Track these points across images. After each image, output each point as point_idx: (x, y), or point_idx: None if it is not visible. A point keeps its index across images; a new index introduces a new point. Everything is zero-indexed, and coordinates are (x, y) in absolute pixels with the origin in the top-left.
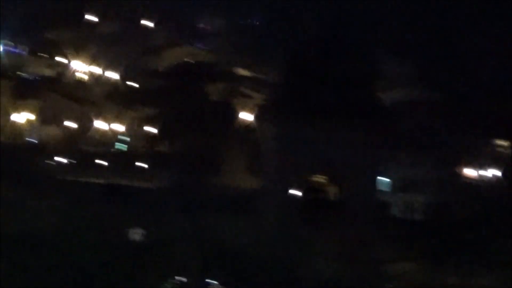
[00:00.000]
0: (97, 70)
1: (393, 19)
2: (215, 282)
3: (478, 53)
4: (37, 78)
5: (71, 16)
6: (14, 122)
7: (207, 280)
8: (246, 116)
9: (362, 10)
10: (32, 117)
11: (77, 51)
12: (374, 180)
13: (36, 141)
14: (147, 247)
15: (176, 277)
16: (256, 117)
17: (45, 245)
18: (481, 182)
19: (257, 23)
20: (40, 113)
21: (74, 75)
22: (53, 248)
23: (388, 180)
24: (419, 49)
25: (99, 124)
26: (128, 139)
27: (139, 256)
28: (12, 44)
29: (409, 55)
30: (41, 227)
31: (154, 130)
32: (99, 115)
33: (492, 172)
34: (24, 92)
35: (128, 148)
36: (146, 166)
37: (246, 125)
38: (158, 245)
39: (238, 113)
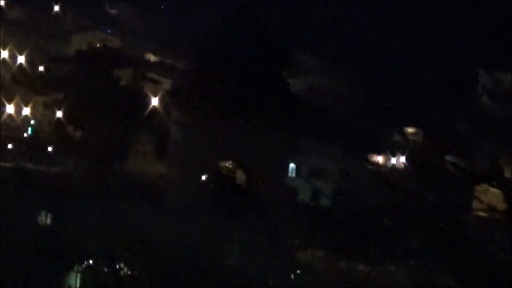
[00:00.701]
0: (5, 55)
1: (303, 9)
2: (123, 266)
3: (386, 43)
4: None
5: None
6: None
7: (114, 264)
8: (155, 101)
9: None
10: None
11: None
12: (282, 167)
13: None
14: (55, 232)
15: (84, 261)
16: (165, 103)
17: None
18: (390, 170)
19: (167, 9)
20: None
21: None
22: None
23: (295, 166)
24: (328, 38)
25: (7, 109)
26: (35, 123)
27: (47, 241)
28: None
29: (319, 44)
30: None
31: (62, 115)
32: (7, 100)
33: (400, 160)
34: None
35: (35, 132)
36: (53, 150)
37: (155, 111)
38: (66, 229)
39: (146, 99)
